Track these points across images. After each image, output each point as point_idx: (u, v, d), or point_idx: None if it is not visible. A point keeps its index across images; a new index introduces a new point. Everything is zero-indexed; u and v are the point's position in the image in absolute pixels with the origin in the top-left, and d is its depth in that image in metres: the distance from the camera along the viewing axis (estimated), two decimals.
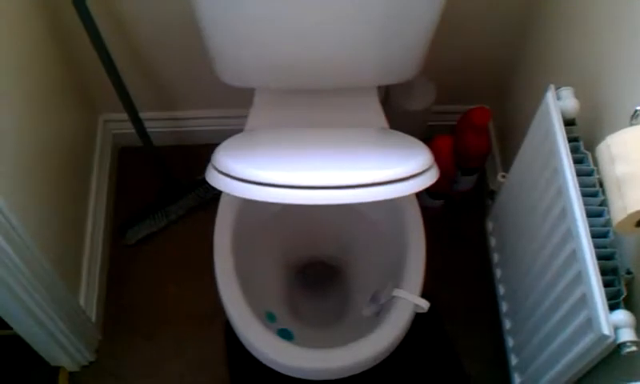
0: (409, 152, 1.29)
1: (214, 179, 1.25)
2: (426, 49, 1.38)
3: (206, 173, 1.29)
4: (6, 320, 1.38)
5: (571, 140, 1.22)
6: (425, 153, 1.28)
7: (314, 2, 1.24)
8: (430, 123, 1.86)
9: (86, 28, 1.40)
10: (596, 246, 1.10)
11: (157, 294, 1.76)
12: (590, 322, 1.08)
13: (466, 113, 1.73)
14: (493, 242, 1.66)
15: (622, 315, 1.05)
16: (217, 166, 1.25)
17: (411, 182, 1.21)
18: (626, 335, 1.04)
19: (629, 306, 1.09)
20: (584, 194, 1.15)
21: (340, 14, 1.27)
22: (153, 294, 1.76)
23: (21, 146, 1.31)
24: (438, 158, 1.70)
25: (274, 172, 1.18)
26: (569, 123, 1.24)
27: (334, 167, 1.22)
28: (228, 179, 1.21)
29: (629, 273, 1.11)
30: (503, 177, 1.58)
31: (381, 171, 1.19)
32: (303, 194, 1.16)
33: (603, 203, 1.15)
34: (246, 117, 1.47)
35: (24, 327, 1.41)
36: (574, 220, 1.13)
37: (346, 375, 1.32)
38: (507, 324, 1.55)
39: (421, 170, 1.23)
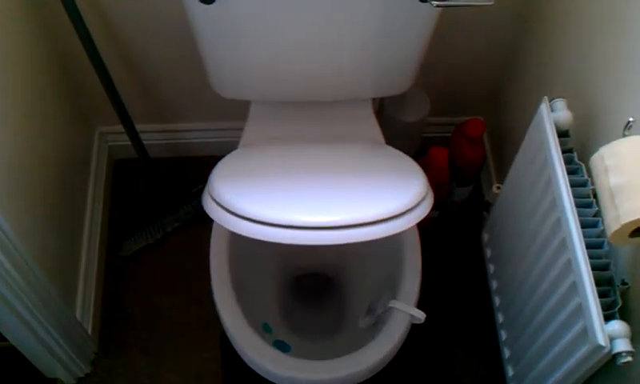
0: (403, 181, 1.28)
1: (210, 208, 1.26)
2: (420, 61, 1.39)
3: (203, 198, 1.30)
4: (1, 332, 1.37)
5: (565, 151, 1.23)
6: (419, 180, 1.28)
7: (309, 17, 1.25)
8: (424, 135, 1.87)
9: (81, 40, 1.40)
10: (591, 257, 1.11)
11: (153, 305, 1.76)
12: (586, 333, 1.08)
13: (461, 124, 1.74)
14: (488, 253, 1.66)
15: (617, 325, 1.05)
16: (213, 196, 1.26)
17: (406, 217, 1.21)
18: (622, 345, 1.04)
19: (624, 316, 1.10)
20: (578, 205, 1.15)
21: (335, 30, 1.28)
22: (149, 305, 1.76)
23: (16, 159, 1.31)
24: (433, 170, 1.72)
25: (267, 210, 1.18)
26: (562, 135, 1.25)
27: (328, 205, 1.21)
28: (223, 211, 1.22)
29: (624, 283, 1.12)
30: (498, 188, 1.59)
31: (375, 209, 1.19)
32: (300, 235, 1.17)
33: (597, 214, 1.16)
34: (241, 129, 1.48)
35: (20, 339, 1.41)
36: (568, 231, 1.14)
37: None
38: (503, 335, 1.55)
39: (416, 203, 1.22)
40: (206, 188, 1.30)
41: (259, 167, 1.35)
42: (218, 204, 1.23)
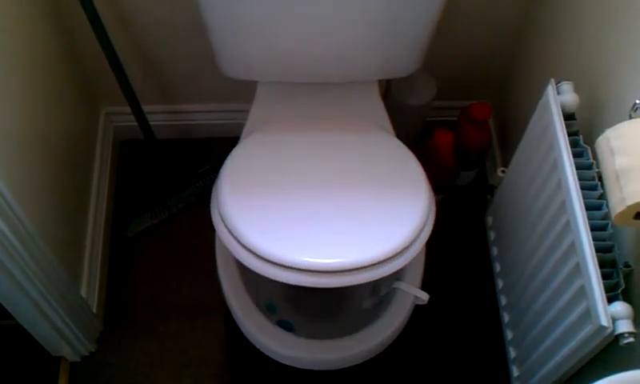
0: (405, 208, 1.25)
1: (218, 229, 1.26)
2: (427, 44, 1.39)
3: (211, 208, 1.30)
4: (8, 309, 1.38)
5: (571, 134, 1.23)
6: (421, 203, 1.26)
7: None
8: (430, 119, 1.87)
9: (89, 20, 1.40)
10: (595, 239, 1.11)
11: (157, 285, 1.77)
12: (589, 314, 1.09)
13: (467, 108, 1.74)
14: (492, 235, 1.67)
15: (620, 307, 1.06)
16: (221, 214, 1.25)
17: (405, 255, 1.21)
18: (624, 326, 1.05)
19: (627, 298, 1.10)
20: (583, 188, 1.16)
21: (342, 9, 1.28)
22: (154, 285, 1.77)
23: (22, 137, 1.32)
24: (439, 153, 1.72)
25: (274, 249, 1.17)
26: (568, 117, 1.25)
27: (330, 245, 1.19)
28: (229, 235, 1.22)
29: (627, 266, 1.12)
30: (503, 172, 1.59)
31: (375, 250, 1.18)
32: (301, 278, 1.18)
33: (602, 197, 1.16)
34: (247, 111, 1.48)
35: (26, 317, 1.42)
36: (573, 213, 1.14)
37: (346, 366, 1.33)
38: (506, 317, 1.56)
39: (414, 238, 1.22)
40: (214, 200, 1.29)
41: (265, 186, 1.29)
42: (226, 226, 1.23)
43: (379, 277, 1.18)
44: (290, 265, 1.16)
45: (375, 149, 1.36)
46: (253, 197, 1.25)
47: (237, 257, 1.20)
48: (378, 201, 1.26)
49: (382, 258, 1.17)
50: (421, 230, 1.22)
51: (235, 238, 1.20)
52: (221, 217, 1.24)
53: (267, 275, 1.18)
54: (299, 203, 1.25)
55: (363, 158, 1.34)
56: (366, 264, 1.16)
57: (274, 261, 1.16)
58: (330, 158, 1.33)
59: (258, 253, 1.17)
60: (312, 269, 1.16)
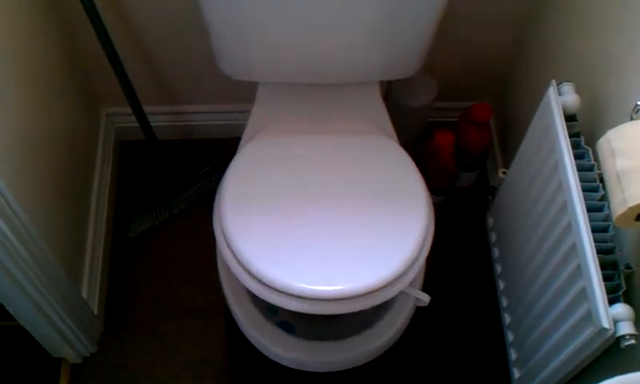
0: (404, 229, 1.24)
1: (221, 248, 1.26)
2: (428, 45, 1.39)
3: (213, 221, 1.30)
4: (9, 310, 1.38)
5: (572, 135, 1.23)
6: (419, 224, 1.24)
7: None
8: (431, 119, 1.87)
9: (90, 20, 1.40)
10: (596, 241, 1.11)
11: (158, 286, 1.77)
12: (590, 316, 1.09)
13: (467, 109, 1.74)
14: (493, 237, 1.67)
15: (621, 309, 1.06)
16: (224, 233, 1.24)
17: (404, 280, 1.21)
18: (625, 328, 1.05)
19: (628, 300, 1.10)
20: (584, 189, 1.16)
21: (343, 10, 1.28)
22: (154, 286, 1.77)
23: (24, 138, 1.32)
24: (439, 154, 1.72)
25: (277, 276, 1.17)
26: (570, 119, 1.25)
27: (328, 276, 1.18)
28: (232, 257, 1.23)
29: (628, 267, 1.12)
30: (504, 173, 1.59)
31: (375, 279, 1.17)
32: (300, 305, 1.18)
33: (603, 198, 1.16)
34: (248, 111, 1.48)
35: (27, 318, 1.42)
36: (574, 214, 1.14)
37: (347, 367, 1.33)
38: (507, 319, 1.56)
39: (414, 259, 1.21)
40: (216, 213, 1.28)
41: (265, 201, 1.28)
42: (229, 246, 1.23)
43: (379, 302, 1.19)
44: (287, 292, 1.16)
45: (375, 160, 1.35)
46: (253, 215, 1.25)
47: (236, 275, 1.22)
48: (378, 221, 1.25)
49: (380, 285, 1.17)
50: (420, 250, 1.22)
51: (237, 260, 1.21)
52: (223, 233, 1.24)
53: (264, 298, 1.19)
54: (299, 223, 1.24)
55: (363, 172, 1.33)
56: (364, 292, 1.16)
57: (271, 286, 1.17)
58: (329, 172, 1.32)
59: (258, 277, 1.18)
60: (309, 297, 1.16)
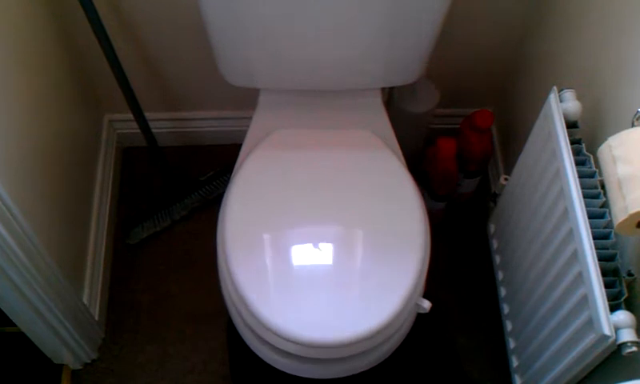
0: (400, 264, 1.24)
1: (224, 288, 1.29)
2: (430, 51, 1.39)
3: (217, 258, 1.31)
4: (9, 316, 1.38)
5: (573, 142, 1.23)
6: (416, 261, 1.25)
7: (318, 4, 1.25)
8: (433, 126, 1.87)
9: (92, 27, 1.40)
10: (597, 248, 1.11)
11: (160, 292, 1.77)
12: (591, 323, 1.09)
13: (469, 116, 1.74)
14: (494, 244, 1.67)
15: (622, 316, 1.05)
16: (231, 273, 1.24)
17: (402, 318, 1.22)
18: (627, 335, 1.04)
19: (630, 307, 1.10)
20: (586, 196, 1.15)
21: (345, 17, 1.28)
22: (156, 292, 1.77)
23: (26, 144, 1.32)
24: (441, 161, 1.72)
25: (280, 324, 1.18)
26: (571, 125, 1.25)
27: (324, 323, 1.19)
28: (237, 296, 1.24)
29: (630, 274, 1.12)
30: (505, 179, 1.59)
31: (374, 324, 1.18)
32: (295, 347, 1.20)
33: (605, 205, 1.16)
34: (250, 118, 1.48)
35: (28, 324, 1.42)
36: (575, 221, 1.14)
37: (348, 374, 1.33)
38: (508, 326, 1.55)
39: (408, 300, 1.22)
40: (221, 251, 1.29)
41: (264, 230, 1.29)
42: (234, 285, 1.24)
43: (377, 343, 1.21)
44: (287, 338, 1.18)
45: (377, 186, 1.35)
46: (253, 248, 1.26)
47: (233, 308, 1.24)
48: (374, 258, 1.26)
49: (379, 328, 1.18)
50: (409, 299, 1.23)
51: (237, 294, 1.23)
52: (225, 263, 1.26)
53: (259, 335, 1.22)
54: (297, 259, 1.26)
55: (363, 201, 1.33)
56: (361, 338, 1.18)
57: (271, 330, 1.19)
58: (329, 198, 1.33)
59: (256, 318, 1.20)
60: (307, 343, 1.17)
